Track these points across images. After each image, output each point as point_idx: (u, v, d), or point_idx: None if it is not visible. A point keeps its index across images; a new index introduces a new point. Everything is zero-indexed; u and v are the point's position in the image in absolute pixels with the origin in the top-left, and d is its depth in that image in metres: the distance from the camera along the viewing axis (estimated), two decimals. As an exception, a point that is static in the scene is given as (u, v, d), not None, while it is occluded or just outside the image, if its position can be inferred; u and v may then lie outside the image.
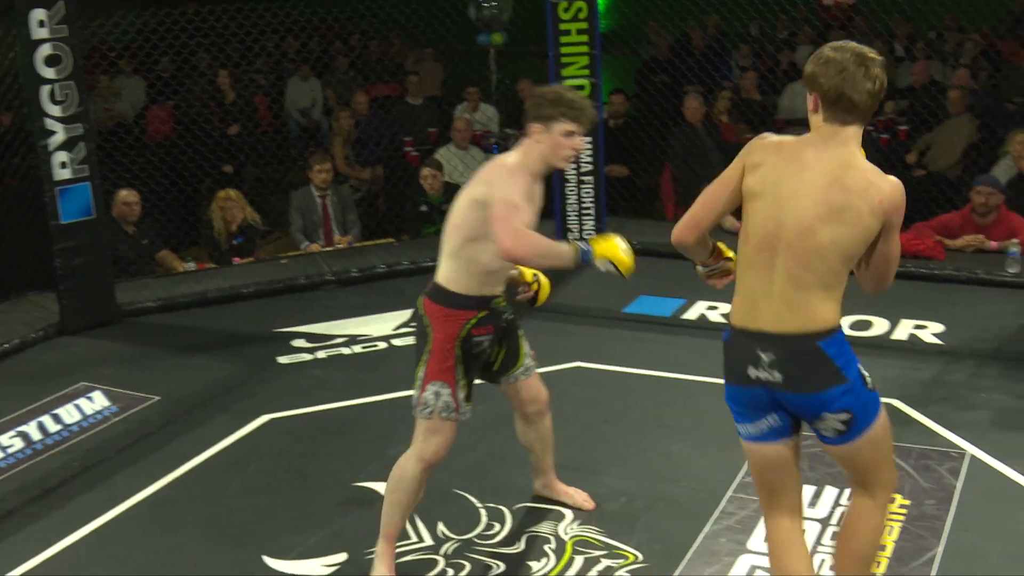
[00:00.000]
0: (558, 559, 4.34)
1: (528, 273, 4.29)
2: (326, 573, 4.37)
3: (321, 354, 6.60)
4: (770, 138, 3.30)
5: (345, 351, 6.64)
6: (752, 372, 3.28)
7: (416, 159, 9.52)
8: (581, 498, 4.69)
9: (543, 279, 4.35)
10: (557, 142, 3.93)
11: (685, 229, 3.40)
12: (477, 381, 4.21)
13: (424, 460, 4.07)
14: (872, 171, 3.17)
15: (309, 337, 6.86)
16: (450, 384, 4.04)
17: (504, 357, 4.31)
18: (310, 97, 12.02)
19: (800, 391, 3.24)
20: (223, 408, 5.91)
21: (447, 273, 4.02)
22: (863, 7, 12.43)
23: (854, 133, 3.18)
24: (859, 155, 3.19)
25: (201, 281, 7.75)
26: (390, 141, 10.03)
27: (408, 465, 4.11)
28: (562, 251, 3.80)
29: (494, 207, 3.76)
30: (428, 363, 4.04)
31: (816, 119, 3.21)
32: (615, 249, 3.86)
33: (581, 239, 3.78)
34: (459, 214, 3.96)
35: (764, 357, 3.24)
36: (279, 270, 7.91)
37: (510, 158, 3.98)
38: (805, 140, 3.23)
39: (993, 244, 7.47)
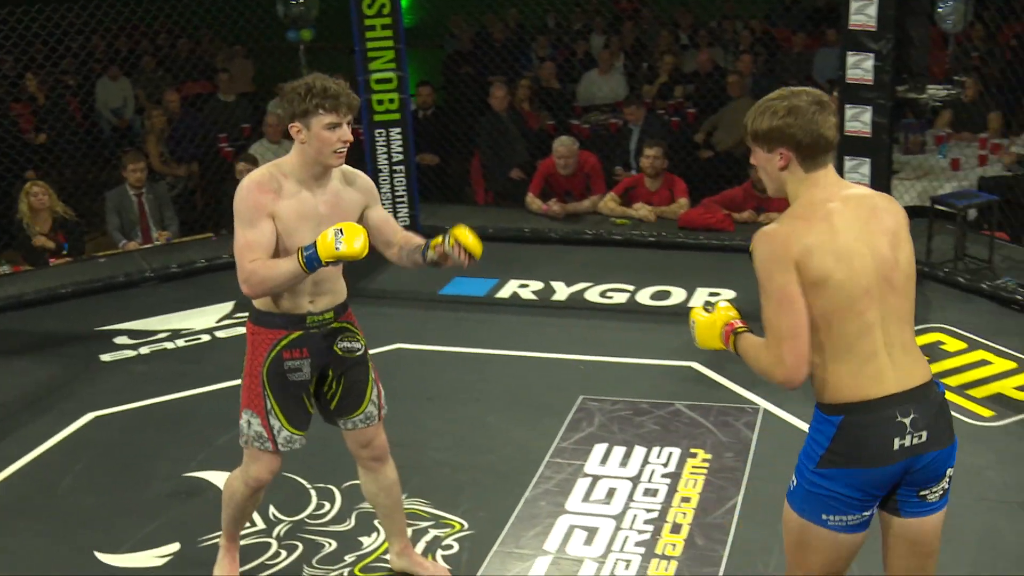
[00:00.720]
0: (388, 533, 4.33)
1: (436, 239, 3.61)
2: (159, 563, 4.26)
3: (144, 350, 6.40)
4: (783, 227, 2.77)
5: (168, 345, 6.46)
6: (898, 443, 2.73)
7: (230, 154, 9.30)
8: (441, 572, 4.01)
9: (455, 230, 3.55)
10: (322, 138, 3.39)
11: (802, 368, 2.72)
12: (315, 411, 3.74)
13: (248, 484, 3.73)
14: (873, 191, 2.93)
15: (131, 334, 6.65)
16: (259, 413, 3.60)
17: (342, 396, 3.70)
18: (121, 97, 11.61)
19: (942, 447, 2.80)
20: (47, 409, 5.67)
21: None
22: (650, -1, 12.76)
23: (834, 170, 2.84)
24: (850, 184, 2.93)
25: (17, 283, 7.40)
26: (203, 138, 9.77)
27: (236, 484, 3.80)
28: (291, 268, 3.32)
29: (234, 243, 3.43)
30: (243, 388, 3.65)
31: (794, 175, 2.79)
32: (326, 241, 3.28)
33: (311, 246, 3.28)
34: None
35: (907, 421, 2.73)
36: (97, 269, 7.62)
37: (252, 175, 3.49)
38: (817, 204, 2.77)
39: (778, 215, 7.75)
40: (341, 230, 3.28)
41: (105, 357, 6.32)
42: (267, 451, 3.65)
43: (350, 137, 3.44)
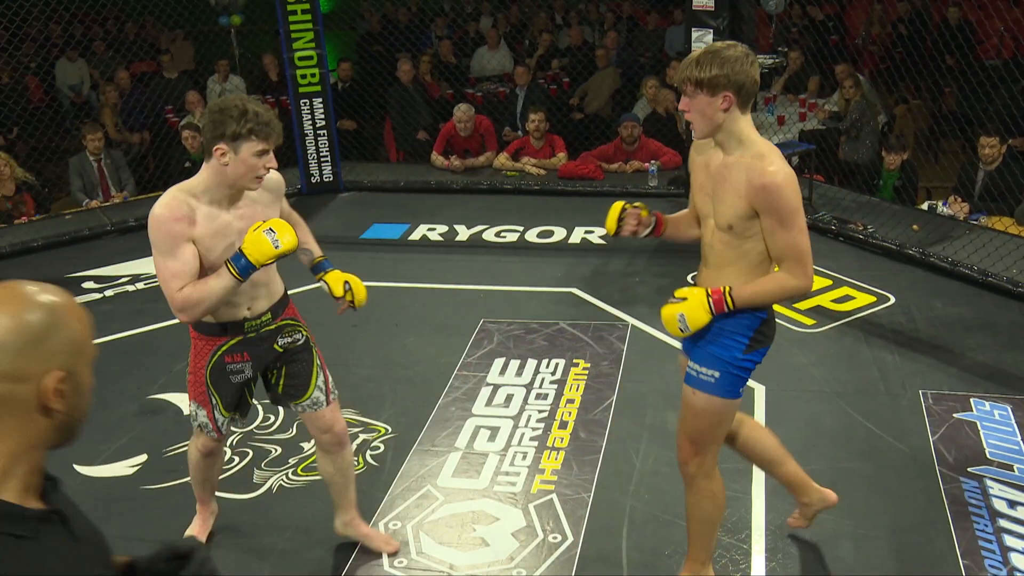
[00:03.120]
0: (325, 438, 4.29)
1: (338, 288, 3.32)
2: (130, 472, 4.17)
3: (109, 292, 6.21)
4: (789, 169, 2.67)
5: (130, 288, 6.27)
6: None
7: (176, 124, 9.02)
8: (382, 540, 3.58)
9: (354, 283, 3.32)
10: (249, 164, 2.84)
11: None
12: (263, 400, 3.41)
13: (199, 451, 3.45)
14: None
15: (97, 280, 6.44)
16: (204, 406, 3.28)
17: (286, 383, 3.28)
18: (78, 75, 11.15)
19: None
20: (25, 346, 5.47)
21: None
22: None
23: None
24: None
25: (-7, 239, 7.10)
26: (152, 109, 9.46)
27: (191, 451, 3.51)
28: (224, 284, 2.88)
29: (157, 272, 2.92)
30: (188, 382, 3.28)
31: (732, 115, 2.70)
32: (260, 243, 2.84)
33: (235, 255, 2.86)
34: None
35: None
36: (64, 224, 7.34)
37: (161, 203, 2.87)
38: (770, 143, 2.78)
39: (642, 164, 7.81)
40: (272, 228, 2.85)
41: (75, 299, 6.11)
42: (211, 438, 3.38)
43: (275, 164, 2.91)
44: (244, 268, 2.87)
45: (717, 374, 2.87)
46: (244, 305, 3.11)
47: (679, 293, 2.84)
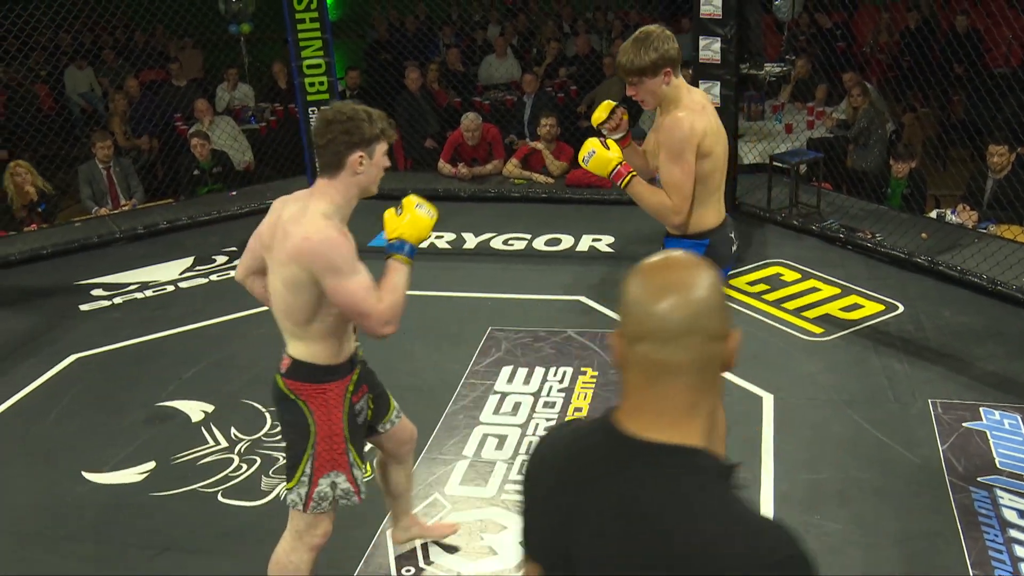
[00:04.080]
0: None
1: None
2: (139, 479, 4.18)
3: (118, 300, 6.23)
4: (690, 117, 3.18)
5: (139, 295, 6.29)
6: (733, 248, 3.47)
7: (185, 131, 9.05)
8: (446, 528, 3.64)
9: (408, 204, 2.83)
10: (381, 166, 2.74)
11: (686, 215, 3.33)
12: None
13: (314, 548, 2.97)
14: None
15: (106, 287, 6.46)
16: (343, 471, 2.87)
17: (376, 406, 3.11)
18: (87, 83, 11.21)
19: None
20: (34, 352, 5.50)
21: (304, 349, 2.79)
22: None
23: None
24: None
25: (3, 246, 7.12)
26: (161, 117, 9.50)
27: (284, 559, 2.99)
28: (404, 276, 2.76)
29: (337, 297, 2.65)
30: (315, 456, 2.84)
31: (671, 84, 3.22)
32: (416, 222, 2.76)
33: (391, 245, 2.76)
34: (281, 299, 2.75)
35: (733, 235, 3.47)
36: (74, 231, 7.36)
37: (312, 225, 2.63)
38: (697, 99, 3.28)
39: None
40: (408, 204, 2.76)
41: (84, 307, 6.13)
42: (331, 511, 2.92)
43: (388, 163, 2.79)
44: (411, 251, 2.75)
45: None
46: (353, 334, 2.86)
47: (613, 147, 3.37)
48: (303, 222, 2.65)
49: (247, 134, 9.14)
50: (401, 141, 9.19)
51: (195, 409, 4.74)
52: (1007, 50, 9.53)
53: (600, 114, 3.50)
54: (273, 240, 2.74)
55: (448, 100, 9.67)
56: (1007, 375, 4.70)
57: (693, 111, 3.21)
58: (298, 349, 2.80)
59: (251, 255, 2.93)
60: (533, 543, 1.46)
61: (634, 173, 3.34)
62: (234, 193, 7.99)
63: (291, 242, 2.65)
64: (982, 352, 4.96)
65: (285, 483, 2.93)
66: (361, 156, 2.68)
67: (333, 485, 2.88)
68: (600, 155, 3.34)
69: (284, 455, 2.94)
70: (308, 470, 2.85)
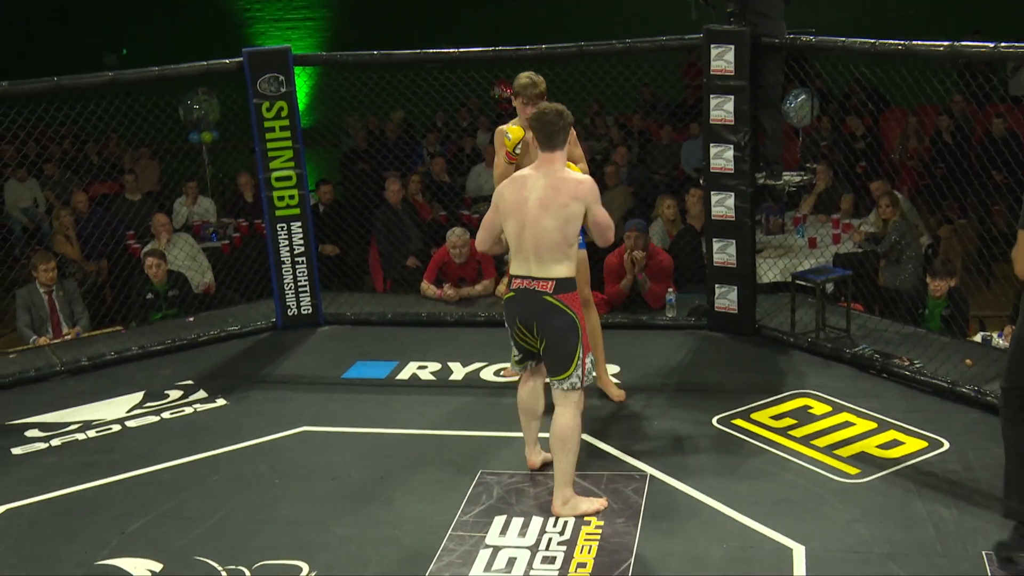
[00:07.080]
0: (298, 611, 4.21)
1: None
2: (73, 653, 4.06)
3: (56, 442, 6.16)
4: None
5: (80, 436, 6.22)
6: None
7: (138, 251, 9.14)
8: (598, 502, 4.96)
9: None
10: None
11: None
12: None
13: (582, 411, 4.82)
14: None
15: (42, 427, 6.40)
16: (588, 351, 4.74)
17: None
18: (30, 197, 11.36)
19: None
20: (-43, 504, 5.41)
21: (563, 269, 4.58)
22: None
23: None
24: None
25: (-73, 382, 7.10)
26: (111, 235, 9.60)
27: (573, 423, 4.74)
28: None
29: (599, 218, 4.70)
30: (582, 345, 4.65)
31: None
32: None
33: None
34: (558, 233, 4.55)
35: None
36: (7, 364, 7.34)
37: (577, 175, 4.72)
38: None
39: (652, 287, 7.70)
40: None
41: (16, 451, 6.06)
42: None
43: None
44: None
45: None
46: None
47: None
48: (567, 176, 4.67)
49: (208, 253, 9.23)
50: (379, 260, 9.29)
51: (141, 568, 4.64)
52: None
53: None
54: (540, 196, 4.61)
55: (433, 214, 9.82)
56: (1071, 521, 4.64)
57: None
58: (560, 270, 4.59)
59: (490, 230, 4.98)
60: None
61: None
62: (191, 319, 8.02)
63: (569, 186, 4.61)
64: (1041, 495, 4.90)
65: (558, 376, 4.71)
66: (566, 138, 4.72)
67: (593, 362, 4.76)
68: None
69: (552, 358, 4.71)
70: (580, 354, 4.65)
